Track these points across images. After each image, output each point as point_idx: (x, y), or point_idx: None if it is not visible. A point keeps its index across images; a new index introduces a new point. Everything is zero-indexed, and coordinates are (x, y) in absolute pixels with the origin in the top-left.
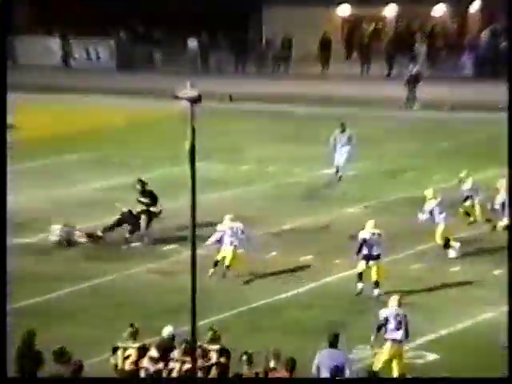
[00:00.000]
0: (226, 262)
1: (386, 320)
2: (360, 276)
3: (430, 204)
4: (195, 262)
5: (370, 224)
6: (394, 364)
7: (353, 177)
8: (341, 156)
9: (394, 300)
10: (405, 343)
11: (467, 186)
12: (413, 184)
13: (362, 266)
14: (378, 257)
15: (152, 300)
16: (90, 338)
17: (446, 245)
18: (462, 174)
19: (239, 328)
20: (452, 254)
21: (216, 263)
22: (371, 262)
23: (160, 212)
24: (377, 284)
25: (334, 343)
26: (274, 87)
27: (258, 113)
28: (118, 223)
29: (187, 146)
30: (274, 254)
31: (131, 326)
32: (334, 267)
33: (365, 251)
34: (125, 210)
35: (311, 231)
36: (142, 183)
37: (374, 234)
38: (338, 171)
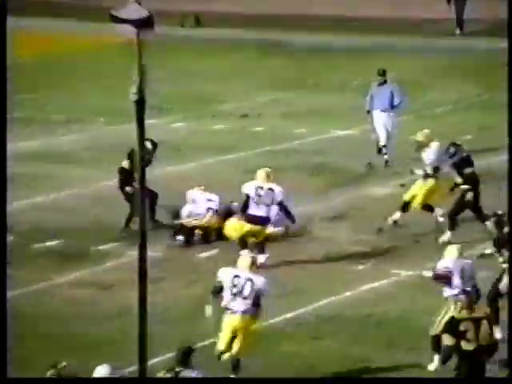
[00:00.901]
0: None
1: (222, 286)
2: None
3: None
4: (145, 269)
5: (261, 174)
6: (236, 342)
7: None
8: (381, 126)
9: (243, 259)
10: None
11: (431, 153)
12: (481, 153)
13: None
14: (265, 220)
15: (80, 327)
16: None
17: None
18: (421, 137)
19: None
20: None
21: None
22: (258, 227)
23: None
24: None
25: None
26: (263, 3)
27: (238, 44)
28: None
29: (132, 94)
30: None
31: (54, 366)
32: (356, 276)
33: (253, 211)
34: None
35: (322, 223)
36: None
37: (261, 188)
38: (382, 151)
